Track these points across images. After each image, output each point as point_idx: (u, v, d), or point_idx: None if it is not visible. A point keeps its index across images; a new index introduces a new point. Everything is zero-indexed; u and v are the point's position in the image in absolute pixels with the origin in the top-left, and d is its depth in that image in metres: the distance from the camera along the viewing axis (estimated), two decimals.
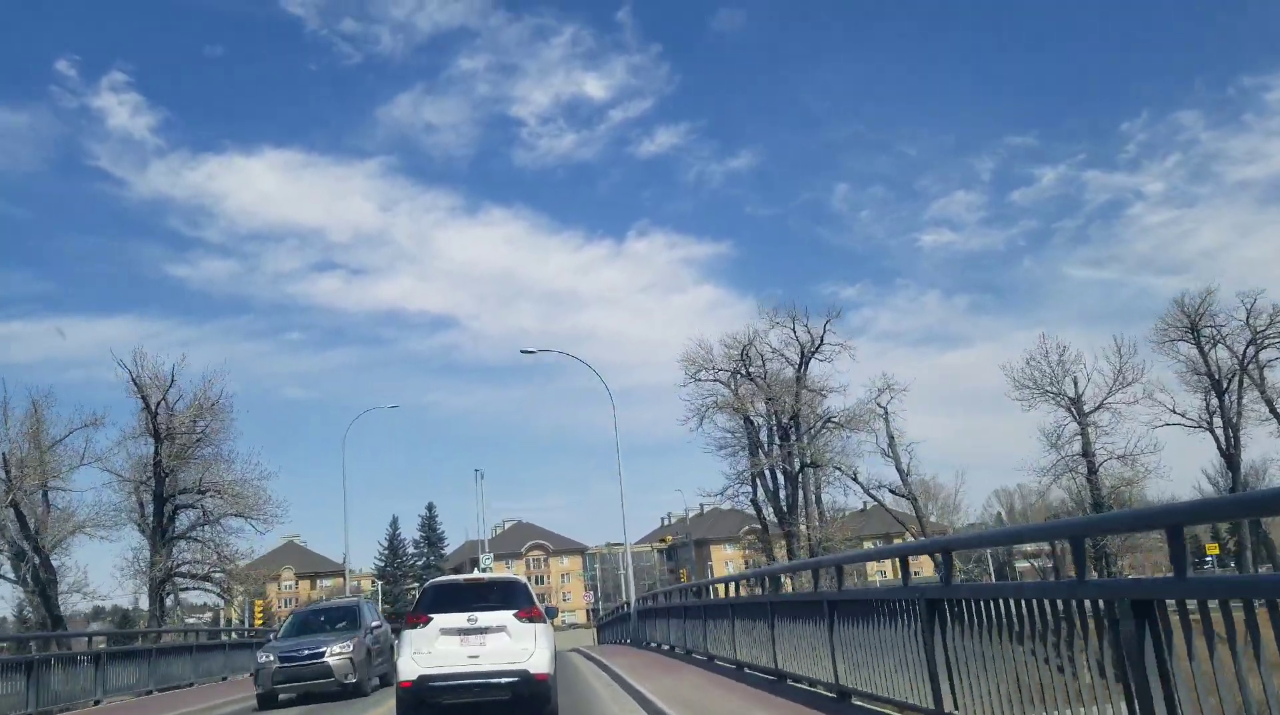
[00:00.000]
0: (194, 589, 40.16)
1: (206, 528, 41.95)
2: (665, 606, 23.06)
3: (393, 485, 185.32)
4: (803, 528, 44.20)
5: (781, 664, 12.15)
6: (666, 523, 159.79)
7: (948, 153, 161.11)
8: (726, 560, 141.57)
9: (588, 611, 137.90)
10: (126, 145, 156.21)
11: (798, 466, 44.04)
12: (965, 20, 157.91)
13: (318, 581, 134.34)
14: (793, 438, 44.48)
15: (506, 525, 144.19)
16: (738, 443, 48.27)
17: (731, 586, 16.67)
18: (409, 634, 11.31)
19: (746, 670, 14.03)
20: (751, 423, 47.23)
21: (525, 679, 10.87)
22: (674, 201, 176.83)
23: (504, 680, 10.85)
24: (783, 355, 45.48)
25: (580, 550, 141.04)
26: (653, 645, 24.23)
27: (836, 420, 43.85)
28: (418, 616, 11.44)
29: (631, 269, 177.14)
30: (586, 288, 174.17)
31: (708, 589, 18.86)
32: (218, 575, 39.43)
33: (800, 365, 44.67)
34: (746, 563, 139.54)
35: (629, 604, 28.27)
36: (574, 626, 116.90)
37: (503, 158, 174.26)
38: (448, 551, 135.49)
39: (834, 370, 44.60)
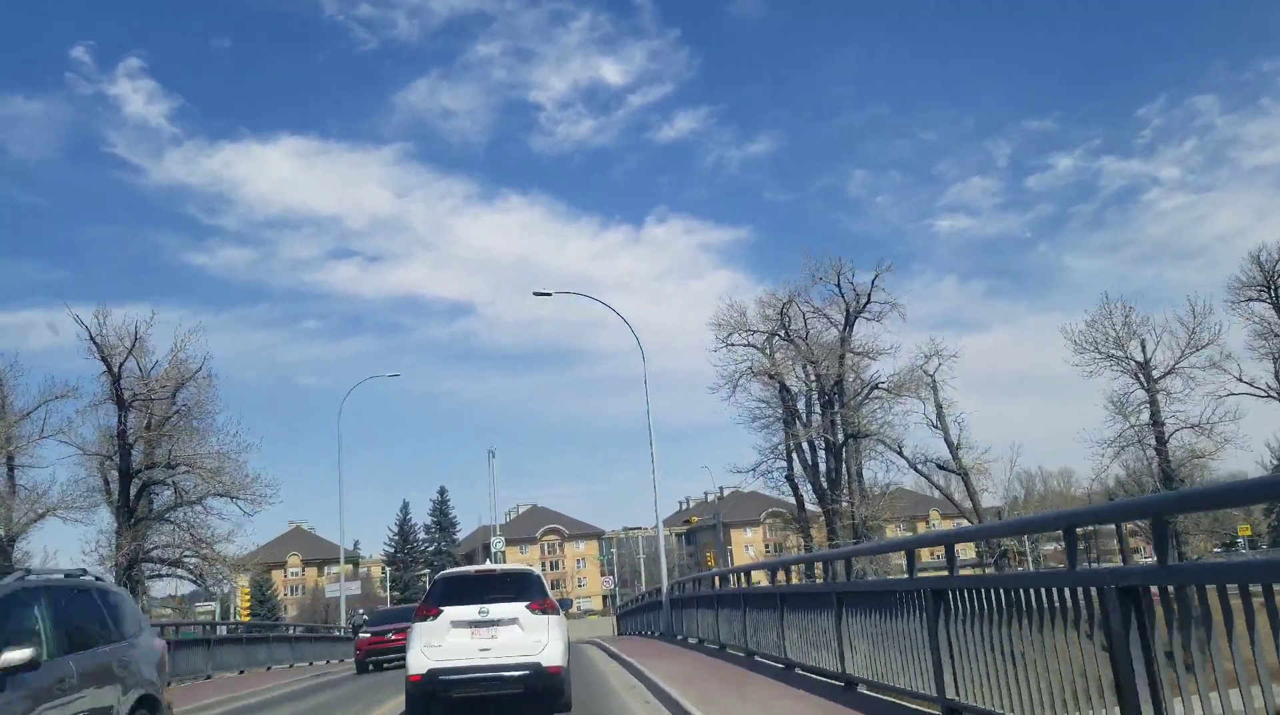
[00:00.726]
0: (164, 575, 35.82)
1: (185, 509, 37.95)
2: (709, 595, 18.57)
3: (406, 472, 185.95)
4: (845, 505, 39.56)
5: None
6: (684, 507, 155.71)
7: (965, 137, 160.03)
8: (747, 544, 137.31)
9: (604, 598, 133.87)
10: (143, 133, 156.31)
11: (841, 438, 39.34)
12: (983, 5, 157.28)
13: (325, 568, 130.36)
14: (835, 407, 39.78)
15: (520, 510, 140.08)
16: (772, 414, 43.74)
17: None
18: (419, 626, 10.95)
19: (863, 689, 9.46)
20: (788, 391, 42.60)
21: (538, 672, 10.58)
22: (692, 187, 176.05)
23: (516, 673, 10.54)
24: (825, 315, 40.82)
25: (597, 535, 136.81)
26: (691, 641, 19.76)
27: (885, 386, 39.16)
28: (427, 609, 11.11)
29: (649, 255, 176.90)
30: (604, 274, 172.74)
31: (774, 573, 14.30)
32: (191, 560, 35.06)
33: (845, 325, 39.95)
34: (768, 547, 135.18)
35: (660, 591, 23.74)
36: (589, 614, 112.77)
37: (520, 144, 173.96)
38: (460, 537, 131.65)
39: (882, 330, 39.86)
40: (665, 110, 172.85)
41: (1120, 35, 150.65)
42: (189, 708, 15.95)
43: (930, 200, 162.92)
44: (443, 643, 10.73)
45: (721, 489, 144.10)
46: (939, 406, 41.56)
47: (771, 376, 42.32)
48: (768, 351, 42.23)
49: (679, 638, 21.78)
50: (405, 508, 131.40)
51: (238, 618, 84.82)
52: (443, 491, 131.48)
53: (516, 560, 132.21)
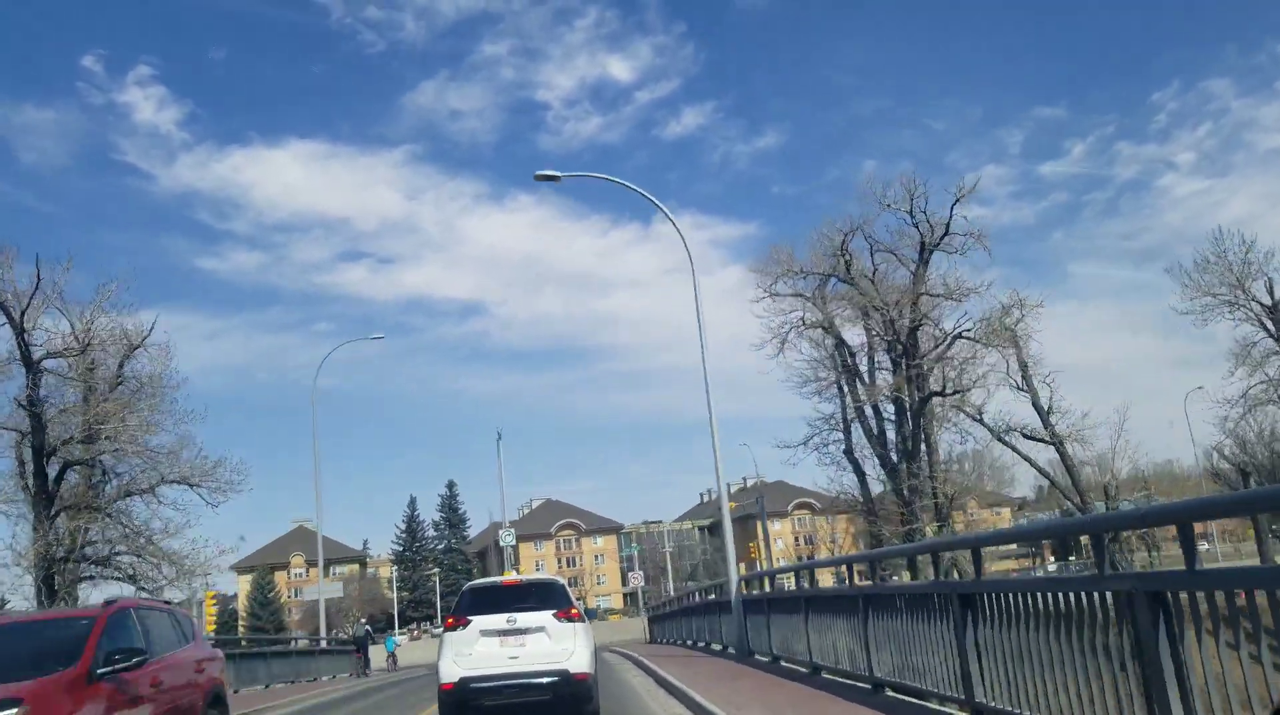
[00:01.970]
0: (96, 577, 29.26)
1: (134, 498, 31.60)
2: (828, 594, 11.69)
3: (418, 472, 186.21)
4: (924, 480, 32.76)
5: None
6: (706, 500, 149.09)
7: (976, 126, 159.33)
8: (775, 537, 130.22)
9: (625, 596, 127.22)
10: (153, 139, 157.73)
11: (917, 399, 32.48)
12: None
13: (332, 569, 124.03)
14: (905, 363, 32.94)
15: (534, 504, 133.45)
16: (826, 377, 37.04)
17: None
18: (449, 636, 11.20)
19: None
20: (845, 347, 35.82)
21: (566, 679, 10.70)
22: (700, 182, 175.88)
23: (544, 680, 10.71)
24: (893, 253, 33.93)
25: (615, 529, 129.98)
26: (793, 662, 12.94)
27: (970, 334, 32.25)
28: (458, 619, 11.29)
29: (658, 252, 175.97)
30: (614, 271, 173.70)
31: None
32: (124, 558, 28.51)
33: (919, 262, 33.05)
34: (797, 539, 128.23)
35: (725, 588, 17.02)
36: (610, 614, 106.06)
37: (528, 143, 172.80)
38: (470, 534, 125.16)
39: (965, 266, 33.02)
40: (672, 106, 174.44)
41: (1132, 20, 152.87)
42: None
43: (942, 190, 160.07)
44: (473, 652, 10.89)
45: (745, 479, 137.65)
46: (1023, 364, 34.65)
47: (826, 329, 35.57)
48: (820, 299, 35.42)
49: (772, 657, 15.08)
50: (413, 504, 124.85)
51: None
52: (451, 486, 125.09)
53: (530, 556, 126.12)
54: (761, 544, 65.78)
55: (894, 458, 35.05)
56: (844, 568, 36.77)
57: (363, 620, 57.12)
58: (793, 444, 37.63)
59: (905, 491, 33.90)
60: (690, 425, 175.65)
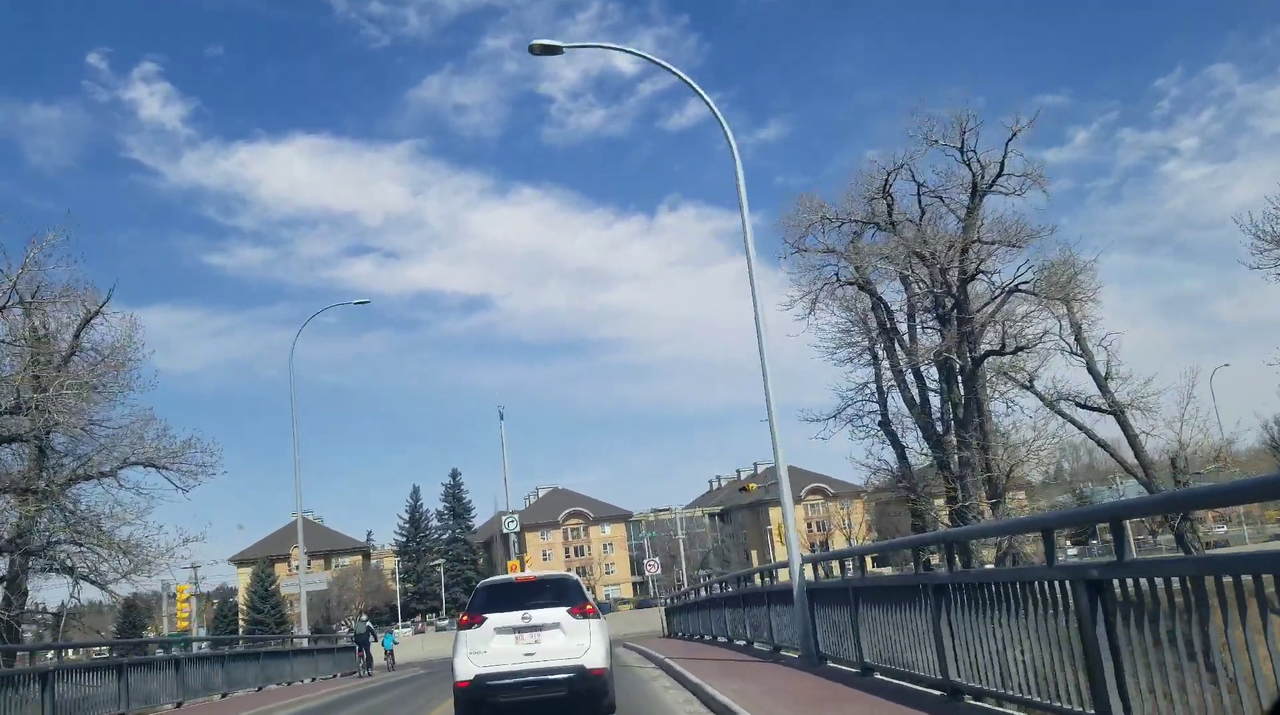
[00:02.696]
0: (46, 570, 25.75)
1: (94, 483, 28.28)
2: (1005, 576, 7.99)
3: (425, 465, 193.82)
4: (974, 452, 29.04)
5: None
6: (715, 487, 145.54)
7: (981, 114, 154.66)
8: None
9: (635, 586, 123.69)
10: (159, 136, 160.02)
11: (970, 361, 28.71)
12: None
13: (333, 561, 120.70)
14: (956, 321, 29.18)
15: (541, 493, 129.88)
16: (859, 344, 33.39)
17: None
18: (464, 634, 11.07)
19: None
20: (883, 305, 32.07)
21: (582, 674, 10.61)
22: (705, 174, 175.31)
23: (560, 676, 10.59)
24: (939, 196, 30.05)
25: (624, 517, 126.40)
26: (901, 677, 9.26)
27: (1029, 287, 28.41)
28: (472, 616, 11.20)
29: (663, 244, 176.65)
30: (619, 264, 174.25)
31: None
32: (64, 547, 24.97)
33: (970, 206, 29.21)
34: (810, 525, 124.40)
35: (776, 576, 13.42)
36: (620, 604, 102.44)
37: (532, 136, 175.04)
38: (475, 524, 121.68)
39: (1025, 207, 29.23)
40: (676, 98, 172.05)
41: (1134, 7, 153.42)
42: None
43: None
44: (488, 649, 10.81)
45: (756, 465, 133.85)
46: (1076, 326, 30.86)
47: (862, 287, 31.82)
48: (854, 253, 31.63)
49: (824, 660, 11.42)
50: (416, 494, 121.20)
51: (171, 632, 74.13)
52: (455, 475, 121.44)
53: (537, 545, 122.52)
54: (752, 540, 62.30)
55: (939, 428, 31.31)
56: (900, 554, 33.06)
57: (364, 616, 53.57)
58: (822, 416, 33.88)
59: (955, 465, 30.19)
60: (694, 416, 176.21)
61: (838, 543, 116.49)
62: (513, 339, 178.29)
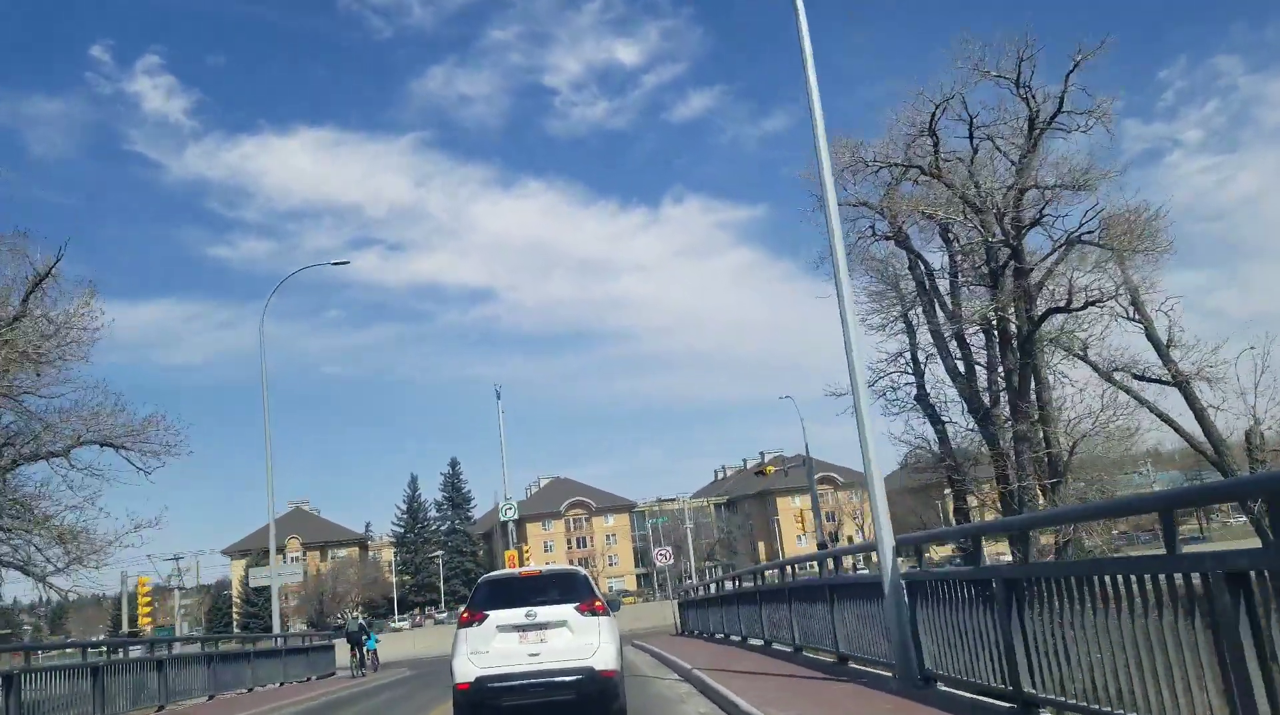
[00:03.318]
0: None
1: (42, 464, 25.39)
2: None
3: (425, 457, 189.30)
4: (1030, 426, 25.59)
5: None
6: (721, 477, 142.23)
7: (985, 103, 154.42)
8: (796, 514, 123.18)
9: (639, 578, 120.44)
10: (162, 129, 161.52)
11: (1025, 324, 25.17)
12: None
13: (329, 552, 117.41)
14: (1012, 276, 25.68)
15: (543, 482, 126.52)
16: (891, 312, 30.04)
17: None
18: (464, 633, 10.44)
19: None
20: (922, 263, 28.58)
21: (591, 676, 9.95)
22: (708, 166, 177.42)
23: (568, 679, 9.93)
24: (990, 138, 26.42)
25: (627, 507, 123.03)
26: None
27: (1093, 238, 24.83)
28: (473, 614, 10.54)
29: (667, 235, 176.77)
30: (623, 255, 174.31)
31: None
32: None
33: (1025, 147, 25.59)
34: (803, 518, 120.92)
35: (877, 564, 10.02)
36: (624, 596, 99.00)
37: (536, 128, 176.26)
38: (475, 515, 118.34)
39: (1091, 145, 25.66)
40: (680, 89, 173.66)
41: None
42: None
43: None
44: (489, 649, 10.21)
45: (763, 454, 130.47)
46: (1133, 288, 27.36)
47: (899, 242, 28.33)
48: (890, 201, 28.10)
49: (931, 680, 7.97)
50: (414, 483, 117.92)
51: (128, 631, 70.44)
52: (454, 464, 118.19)
53: (539, 536, 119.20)
54: (758, 530, 58.49)
55: (986, 401, 27.79)
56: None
57: (357, 613, 50.32)
58: (846, 391, 30.31)
59: (1006, 442, 26.71)
60: (698, 408, 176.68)
61: (848, 533, 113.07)
62: (516, 332, 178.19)
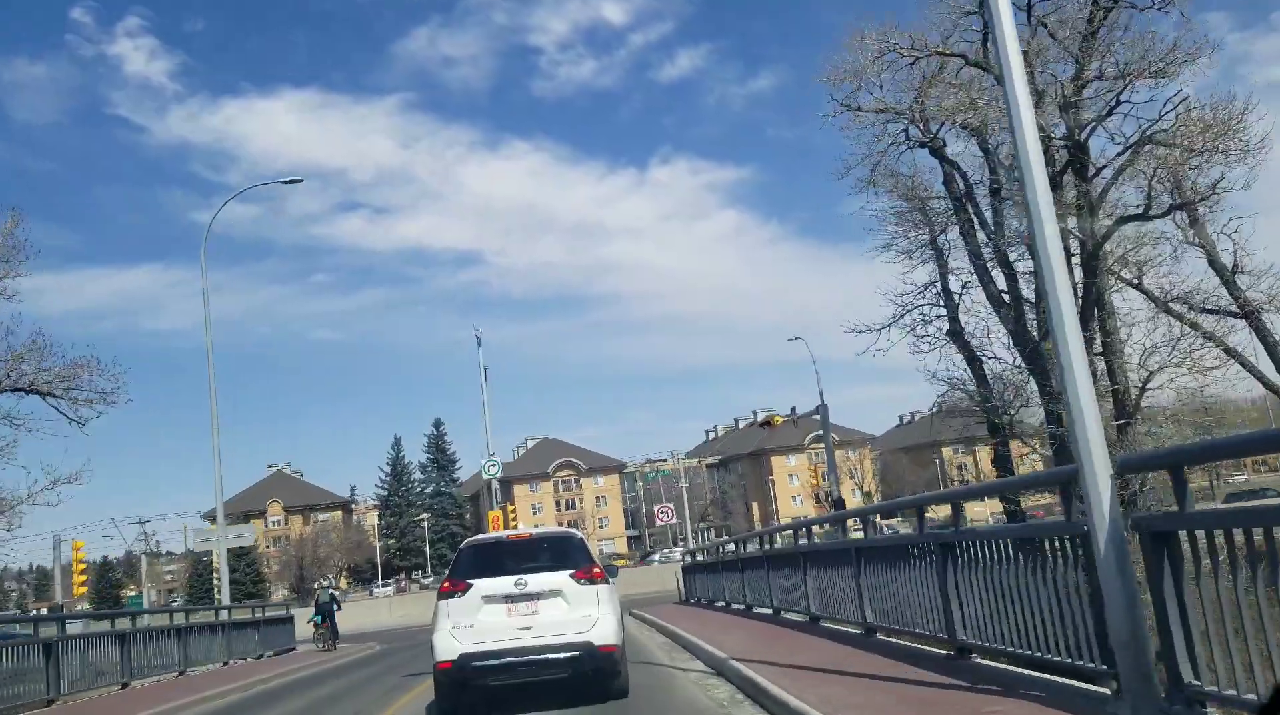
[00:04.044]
0: None
1: None
2: None
3: (412, 421, 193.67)
4: (1090, 360, 21.94)
5: None
6: (712, 436, 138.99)
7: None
8: (791, 473, 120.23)
9: (629, 540, 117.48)
10: (145, 91, 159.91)
11: (1093, 236, 21.46)
12: None
13: (312, 516, 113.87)
14: (1065, 188, 21.95)
15: (530, 443, 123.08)
16: (918, 236, 26.68)
17: None
18: (445, 604, 9.32)
19: None
20: (959, 174, 25.02)
21: (589, 652, 8.88)
22: (696, 127, 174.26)
23: (563, 655, 8.86)
24: (1044, 25, 22.45)
25: (618, 468, 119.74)
26: None
27: (1166, 136, 21.03)
28: (455, 583, 9.40)
29: (655, 197, 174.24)
30: (611, 218, 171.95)
31: None
32: None
33: (1087, 31, 21.63)
34: (817, 473, 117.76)
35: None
36: (614, 558, 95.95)
37: (522, 89, 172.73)
38: (461, 477, 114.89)
39: (1168, 29, 21.83)
40: (667, 48, 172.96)
41: None
42: None
43: None
44: (474, 622, 9.12)
45: (756, 412, 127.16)
46: (1192, 214, 23.66)
47: (934, 150, 24.69)
48: (919, 111, 24.36)
49: (1200, 702, 4.25)
50: (398, 444, 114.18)
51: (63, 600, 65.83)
52: (438, 424, 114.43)
53: (527, 498, 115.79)
54: (752, 489, 55.02)
55: (1035, 335, 24.20)
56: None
57: (327, 582, 46.83)
58: (872, 327, 26.85)
59: (1058, 379, 23.09)
60: (687, 371, 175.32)
61: (846, 492, 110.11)
62: (504, 296, 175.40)
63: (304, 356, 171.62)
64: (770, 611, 14.47)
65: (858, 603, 10.07)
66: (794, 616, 13.47)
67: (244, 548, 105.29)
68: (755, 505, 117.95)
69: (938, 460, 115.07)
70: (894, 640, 9.17)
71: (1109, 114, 20.81)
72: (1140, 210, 20.72)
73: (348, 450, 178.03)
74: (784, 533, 14.59)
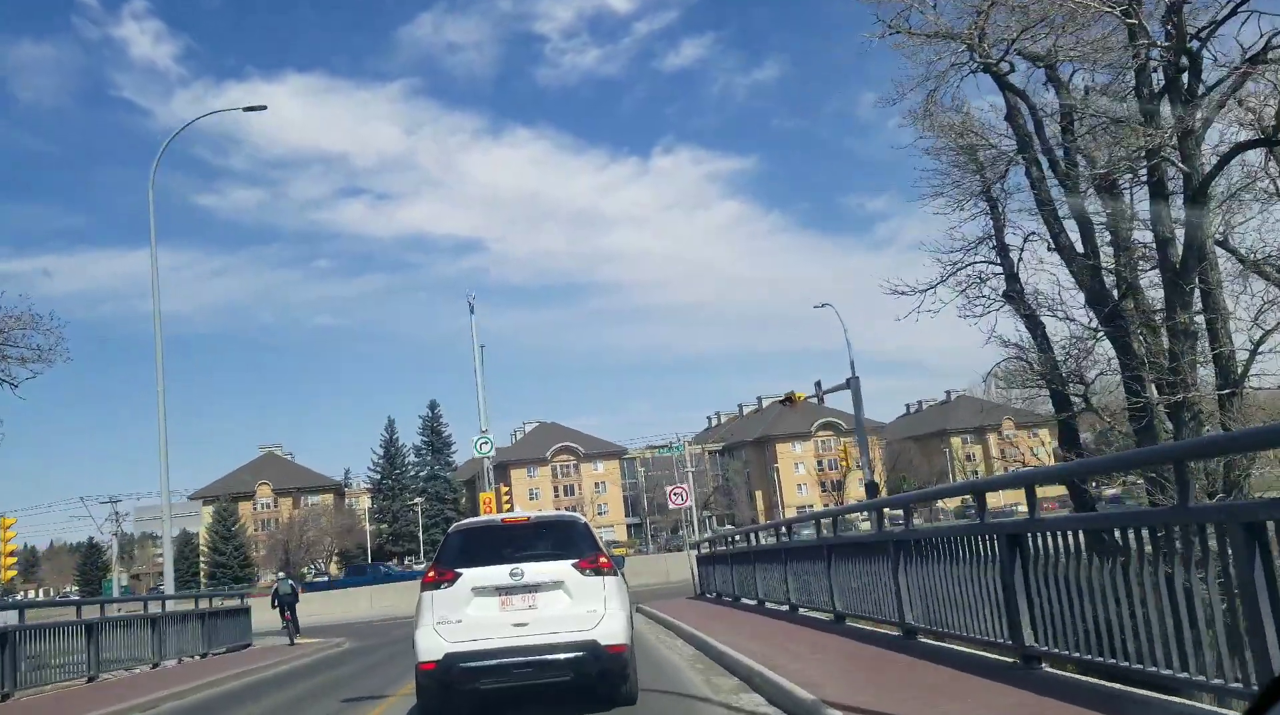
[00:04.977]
0: None
1: None
2: None
3: (409, 405, 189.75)
4: (1189, 319, 18.73)
5: None
6: (714, 423, 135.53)
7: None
8: (796, 461, 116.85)
9: (629, 528, 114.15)
10: (150, 75, 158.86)
11: (1197, 174, 17.95)
12: None
13: (302, 499, 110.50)
14: (1161, 115, 18.43)
15: (528, 427, 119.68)
16: (970, 187, 23.52)
17: None
18: (429, 596, 8.19)
19: None
20: (1025, 104, 21.65)
21: (594, 653, 7.78)
22: (699, 116, 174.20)
23: (565, 655, 7.76)
24: None
25: (618, 453, 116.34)
26: None
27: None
28: (441, 572, 8.26)
29: (657, 186, 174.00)
30: (612, 207, 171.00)
31: None
32: None
33: None
34: (821, 463, 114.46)
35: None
36: (614, 546, 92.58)
37: (526, 76, 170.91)
38: (456, 461, 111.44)
39: None
40: (671, 37, 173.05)
41: None
42: None
43: None
44: (463, 617, 8.01)
45: (760, 399, 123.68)
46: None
47: (999, 77, 21.28)
48: (979, 36, 20.83)
49: None
50: (391, 427, 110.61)
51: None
52: (434, 406, 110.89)
53: (524, 483, 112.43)
54: (756, 476, 51.45)
55: (1114, 295, 20.75)
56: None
57: (284, 572, 43.40)
58: (918, 288, 23.46)
59: (1143, 344, 19.78)
60: (688, 360, 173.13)
61: (854, 481, 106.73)
62: (505, 284, 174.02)
63: (305, 341, 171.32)
64: (831, 617, 11.02)
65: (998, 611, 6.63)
66: (861, 625, 10.07)
67: (232, 529, 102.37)
68: (759, 493, 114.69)
69: (946, 450, 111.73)
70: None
71: (1215, 26, 17.20)
72: (1270, 129, 17.09)
73: (345, 435, 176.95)
74: (852, 515, 11.00)
